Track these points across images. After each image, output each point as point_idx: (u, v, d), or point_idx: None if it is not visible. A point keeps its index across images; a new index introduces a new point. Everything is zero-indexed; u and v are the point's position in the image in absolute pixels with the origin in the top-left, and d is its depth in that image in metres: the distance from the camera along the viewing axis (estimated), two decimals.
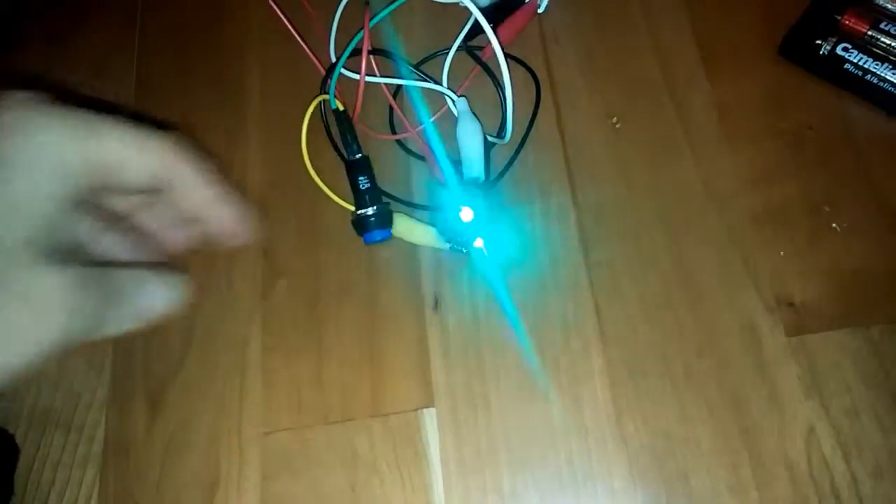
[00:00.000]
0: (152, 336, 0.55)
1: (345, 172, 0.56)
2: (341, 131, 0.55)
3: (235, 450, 0.51)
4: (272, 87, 0.62)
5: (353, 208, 0.54)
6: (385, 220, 0.53)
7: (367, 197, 0.53)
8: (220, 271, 0.56)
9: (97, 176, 0.31)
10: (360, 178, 0.54)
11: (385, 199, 0.55)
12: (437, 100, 0.58)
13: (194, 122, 0.62)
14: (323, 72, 0.58)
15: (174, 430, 0.52)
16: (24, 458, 0.52)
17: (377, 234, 0.53)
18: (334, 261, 0.55)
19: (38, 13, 0.69)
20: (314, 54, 0.59)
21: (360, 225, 0.53)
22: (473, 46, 0.59)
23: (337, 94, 0.56)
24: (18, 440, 0.53)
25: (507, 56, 0.53)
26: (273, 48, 0.63)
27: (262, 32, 0.64)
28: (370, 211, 0.53)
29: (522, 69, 0.59)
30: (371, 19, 0.55)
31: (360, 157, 0.55)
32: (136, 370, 0.54)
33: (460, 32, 0.58)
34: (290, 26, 0.59)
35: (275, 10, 0.59)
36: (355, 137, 0.55)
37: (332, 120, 0.57)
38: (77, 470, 0.52)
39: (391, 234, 0.53)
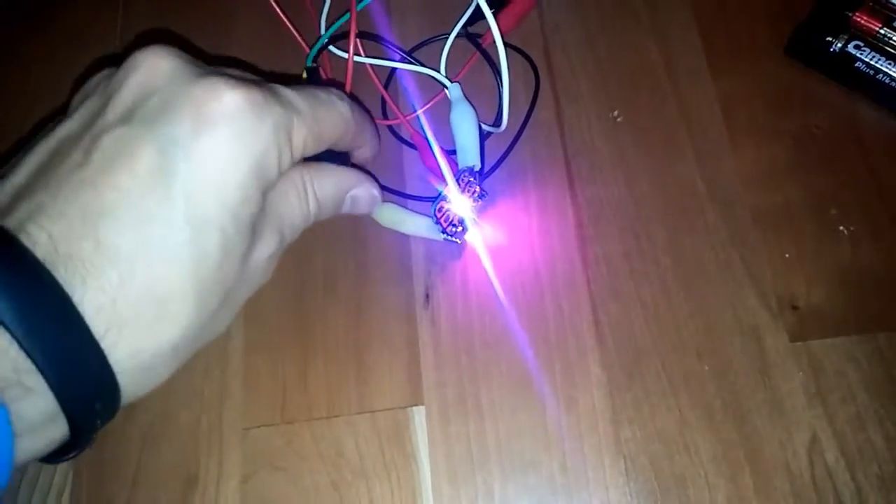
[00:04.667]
0: None
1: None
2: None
3: (215, 445, 0.49)
4: (259, 65, 0.60)
5: None
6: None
7: None
8: None
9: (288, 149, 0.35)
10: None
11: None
12: (433, 87, 0.56)
13: None
14: (308, 51, 0.56)
15: (152, 422, 0.50)
16: None
17: None
18: (321, 250, 0.53)
19: None
20: (300, 34, 0.57)
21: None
22: (473, 33, 0.57)
23: (327, 72, 0.54)
24: None
25: (505, 45, 0.51)
26: (261, 26, 0.61)
27: (250, 11, 0.62)
28: None
29: (523, 59, 0.57)
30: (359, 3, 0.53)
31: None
32: None
33: (461, 17, 0.56)
34: (274, 6, 0.57)
35: None
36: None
37: None
38: None
39: None
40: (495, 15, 0.51)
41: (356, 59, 0.56)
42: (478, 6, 0.53)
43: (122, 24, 0.63)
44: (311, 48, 0.55)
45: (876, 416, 0.46)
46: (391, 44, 0.55)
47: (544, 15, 0.59)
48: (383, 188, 0.53)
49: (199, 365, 0.51)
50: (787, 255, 0.50)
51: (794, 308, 0.49)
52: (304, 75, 0.53)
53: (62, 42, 0.63)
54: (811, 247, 0.50)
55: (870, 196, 0.51)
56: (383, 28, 0.58)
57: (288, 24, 0.57)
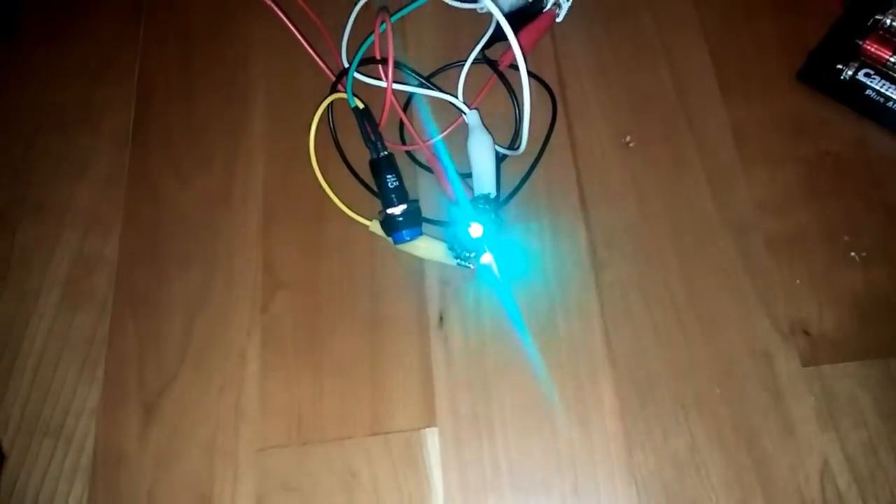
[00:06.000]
0: (146, 345, 0.53)
1: (351, 179, 0.55)
2: (364, 130, 0.53)
3: (230, 466, 0.49)
4: (277, 93, 0.61)
5: (359, 218, 0.53)
6: (415, 218, 0.52)
7: (395, 196, 0.52)
8: (218, 280, 0.55)
9: None
10: (388, 176, 0.52)
11: (412, 197, 0.54)
12: (449, 111, 0.57)
13: (196, 125, 0.60)
14: (332, 77, 0.57)
15: (167, 443, 0.50)
16: (11, 467, 0.51)
17: (407, 234, 0.51)
18: (337, 272, 0.54)
19: (40, 7, 0.67)
20: (321, 59, 0.58)
21: (391, 225, 0.52)
22: (489, 57, 0.58)
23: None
24: (5, 447, 0.51)
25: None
26: (279, 53, 0.62)
27: (268, 37, 0.63)
28: (400, 209, 0.51)
29: (536, 84, 0.58)
30: (380, 25, 0.54)
31: (387, 155, 0.53)
32: (128, 380, 0.52)
33: (478, 42, 0.56)
34: (295, 31, 0.58)
35: (280, 17, 0.58)
36: (380, 134, 0.53)
37: (339, 127, 0.56)
38: (65, 481, 0.50)
39: (421, 231, 0.52)
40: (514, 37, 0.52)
41: (374, 82, 0.57)
42: (496, 28, 0.53)
43: (142, 47, 0.64)
44: (336, 76, 0.56)
45: (888, 441, 0.46)
46: (412, 70, 0.55)
47: (557, 41, 0.60)
48: None
49: (214, 385, 0.51)
50: (798, 281, 0.50)
51: (806, 333, 0.49)
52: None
53: (85, 62, 0.64)
54: (823, 272, 0.51)
55: (881, 222, 0.51)
56: (399, 55, 0.59)
57: (311, 51, 0.58)
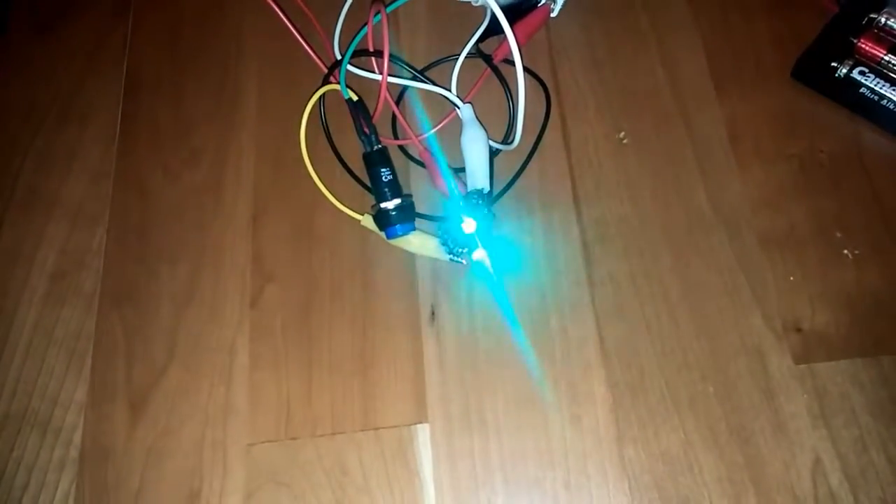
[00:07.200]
0: (134, 340, 0.53)
1: (342, 173, 0.55)
2: (358, 122, 0.53)
3: (219, 461, 0.49)
4: (269, 85, 0.61)
5: (351, 212, 0.53)
6: (408, 213, 0.51)
7: (388, 190, 0.51)
8: (206, 274, 0.54)
9: None
10: (382, 169, 0.52)
11: (406, 192, 0.53)
12: (443, 105, 0.57)
13: (185, 118, 0.60)
14: (324, 69, 0.56)
15: (155, 438, 0.50)
16: None
17: (400, 229, 0.51)
18: (327, 267, 0.54)
19: (29, 2, 0.67)
20: (314, 51, 0.57)
21: (384, 220, 0.51)
22: (483, 51, 0.57)
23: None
24: None
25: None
26: (270, 45, 0.62)
27: (259, 29, 0.63)
28: (393, 204, 0.51)
29: (531, 79, 0.58)
30: (374, 16, 0.53)
31: (380, 148, 0.53)
32: (116, 374, 0.52)
33: (472, 36, 0.56)
34: (288, 23, 0.57)
35: (273, 8, 0.57)
36: (374, 127, 0.53)
37: (330, 120, 0.55)
38: (52, 474, 0.50)
39: (415, 227, 0.52)
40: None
41: (366, 74, 0.57)
42: (491, 20, 0.53)
43: (130, 41, 0.64)
44: (329, 68, 0.55)
45: (879, 438, 0.46)
46: (406, 63, 0.55)
47: (552, 37, 0.60)
48: None
49: (204, 381, 0.51)
50: (791, 278, 0.50)
51: (799, 330, 0.49)
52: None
53: (73, 55, 0.64)
54: (816, 269, 0.51)
55: (874, 220, 0.51)
56: (392, 47, 0.58)
57: (304, 43, 0.57)
